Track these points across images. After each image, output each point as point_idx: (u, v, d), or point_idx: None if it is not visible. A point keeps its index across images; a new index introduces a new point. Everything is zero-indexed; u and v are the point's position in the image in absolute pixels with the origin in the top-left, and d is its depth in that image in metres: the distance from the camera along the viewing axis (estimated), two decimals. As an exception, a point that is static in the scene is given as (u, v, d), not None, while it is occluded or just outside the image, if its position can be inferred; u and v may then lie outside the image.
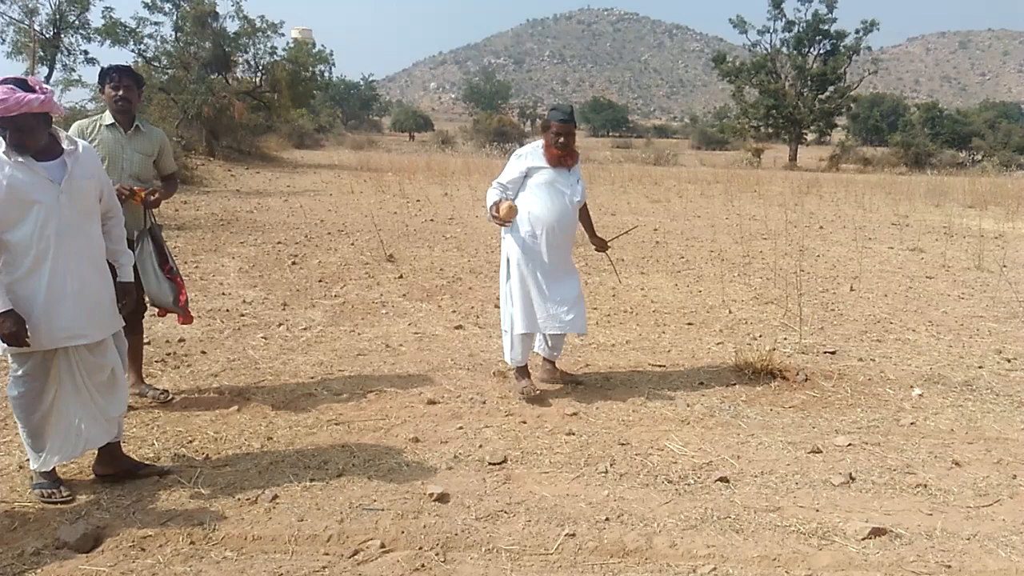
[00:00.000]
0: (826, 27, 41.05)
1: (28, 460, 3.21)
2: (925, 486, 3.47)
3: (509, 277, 4.58)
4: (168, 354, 5.16)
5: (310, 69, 27.84)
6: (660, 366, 5.23)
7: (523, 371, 4.68)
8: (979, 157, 40.43)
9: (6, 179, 2.87)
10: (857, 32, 41.11)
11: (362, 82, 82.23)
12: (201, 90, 22.22)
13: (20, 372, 3.04)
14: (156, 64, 24.12)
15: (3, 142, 2.91)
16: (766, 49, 42.65)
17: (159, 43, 24.18)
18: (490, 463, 3.60)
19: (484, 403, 4.42)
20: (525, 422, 4.14)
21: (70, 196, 2.99)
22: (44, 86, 2.93)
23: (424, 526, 3.01)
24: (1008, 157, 37.82)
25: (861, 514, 3.18)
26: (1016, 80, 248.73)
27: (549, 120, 4.50)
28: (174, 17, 23.95)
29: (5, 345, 2.97)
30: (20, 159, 2.91)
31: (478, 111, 75.97)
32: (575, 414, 4.26)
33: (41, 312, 2.95)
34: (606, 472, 3.54)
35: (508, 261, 4.58)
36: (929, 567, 2.82)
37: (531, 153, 4.56)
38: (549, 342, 4.79)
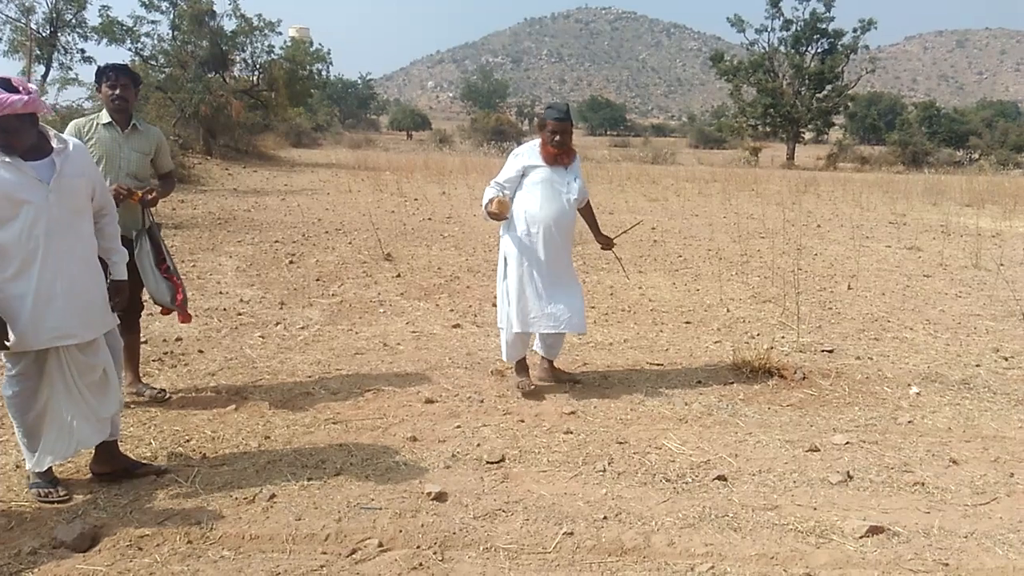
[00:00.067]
0: (824, 26, 41.07)
1: (24, 460, 3.20)
2: (923, 484, 3.47)
3: (506, 276, 4.58)
4: (165, 353, 5.15)
5: (307, 68, 27.80)
6: (658, 365, 5.23)
7: (522, 365, 4.69)
8: (976, 156, 40.46)
9: None
10: (855, 31, 41.16)
11: (360, 81, 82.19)
12: (198, 89, 22.18)
13: (14, 372, 3.03)
14: (153, 63, 24.08)
15: None
16: (764, 48, 42.67)
17: (156, 42, 24.18)
18: (488, 462, 3.60)
19: (482, 402, 4.42)
20: (523, 421, 4.14)
21: (59, 195, 2.97)
22: (29, 86, 2.91)
23: (422, 525, 3.01)
24: (1005, 156, 37.83)
25: (859, 512, 3.19)
26: (1013, 79, 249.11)
27: (545, 118, 4.50)
28: (171, 15, 23.90)
29: None
30: (7, 159, 2.89)
31: (476, 110, 75.88)
32: (573, 413, 4.26)
33: (30, 312, 2.93)
34: (604, 471, 3.54)
35: (505, 260, 4.58)
36: (927, 565, 2.82)
37: (528, 152, 4.56)
38: (547, 341, 4.79)
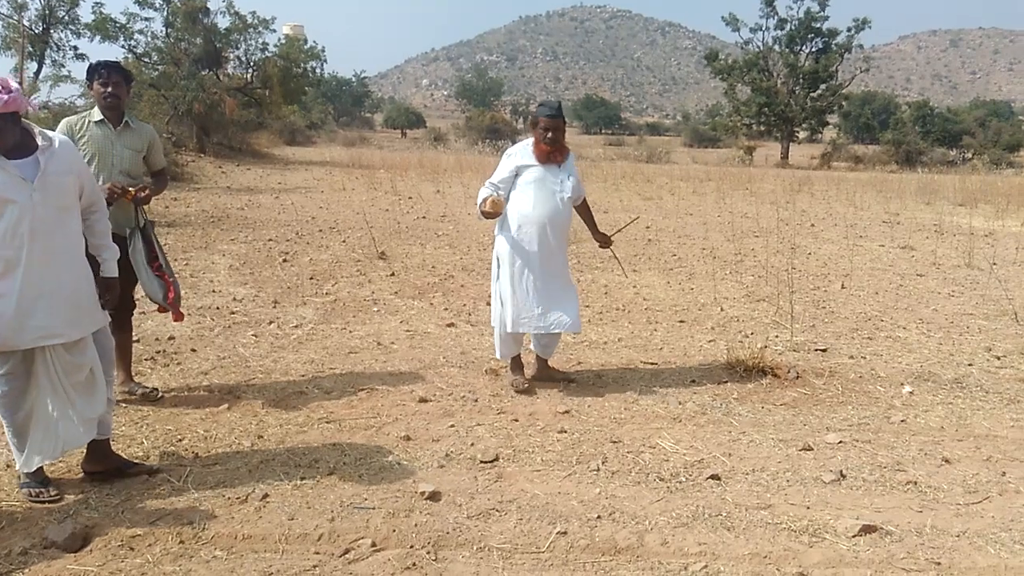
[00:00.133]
0: (818, 25, 41.11)
1: (15, 460, 3.18)
2: (915, 483, 3.48)
3: (499, 277, 4.58)
4: (158, 352, 5.13)
5: (302, 65, 27.69)
6: (652, 364, 5.23)
7: (517, 363, 4.70)
8: (969, 155, 40.57)
9: None
10: (849, 30, 41.22)
11: (354, 79, 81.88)
12: (192, 86, 22.10)
13: (2, 371, 3.00)
14: (146, 60, 23.98)
15: None
16: (758, 47, 42.69)
17: (149, 39, 24.06)
18: (482, 461, 3.60)
19: (476, 401, 4.42)
20: (517, 420, 4.13)
21: (44, 194, 2.94)
22: (11, 84, 2.88)
23: (415, 525, 3.00)
24: (998, 155, 37.95)
25: (852, 511, 3.19)
26: (1006, 79, 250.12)
27: (537, 116, 4.51)
28: (164, 13, 23.81)
29: None
30: None
31: (470, 108, 75.82)
32: (567, 412, 4.26)
33: (15, 312, 2.91)
34: (598, 470, 3.54)
35: (498, 260, 4.58)
36: (919, 564, 2.83)
37: (520, 152, 4.56)
38: (542, 340, 4.78)
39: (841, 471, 3.57)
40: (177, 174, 15.69)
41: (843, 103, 46.16)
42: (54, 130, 3.42)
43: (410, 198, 14.81)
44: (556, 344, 4.92)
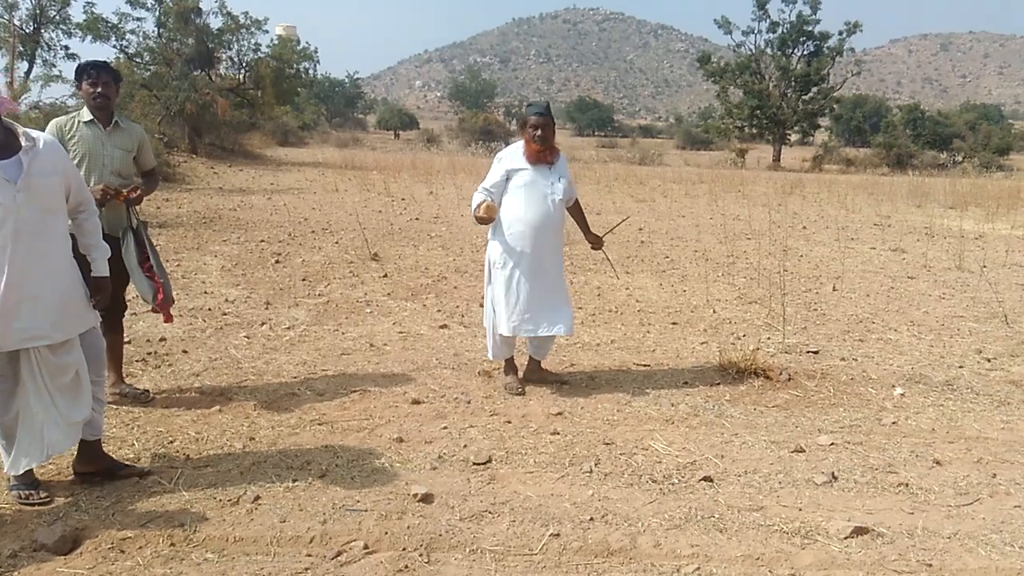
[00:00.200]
0: (810, 28, 41.28)
1: (2, 462, 3.15)
2: (907, 485, 3.49)
3: (491, 280, 4.59)
4: (149, 353, 5.11)
5: (294, 66, 27.66)
6: (645, 365, 5.23)
7: (510, 365, 4.70)
8: (960, 158, 40.79)
9: None
10: (840, 33, 41.38)
11: (347, 80, 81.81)
12: (184, 87, 22.03)
13: None
14: (138, 60, 23.90)
15: None
16: (750, 50, 42.83)
17: (141, 39, 24.00)
18: (475, 463, 3.59)
19: (469, 403, 4.41)
20: (510, 422, 4.13)
21: (28, 195, 2.90)
22: None
23: (408, 527, 2.99)
24: (988, 158, 38.16)
25: (843, 513, 3.20)
26: (996, 82, 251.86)
27: (526, 116, 4.53)
28: (156, 13, 23.71)
29: None
30: None
31: (464, 109, 75.71)
32: (560, 414, 4.26)
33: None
34: (591, 472, 3.54)
35: (491, 263, 4.58)
36: (910, 566, 2.84)
37: (510, 155, 4.56)
38: (535, 342, 4.78)
39: (833, 473, 3.58)
40: (169, 175, 15.63)
41: (835, 106, 46.34)
42: (44, 130, 3.40)
43: (403, 199, 14.79)
44: (550, 346, 4.92)
